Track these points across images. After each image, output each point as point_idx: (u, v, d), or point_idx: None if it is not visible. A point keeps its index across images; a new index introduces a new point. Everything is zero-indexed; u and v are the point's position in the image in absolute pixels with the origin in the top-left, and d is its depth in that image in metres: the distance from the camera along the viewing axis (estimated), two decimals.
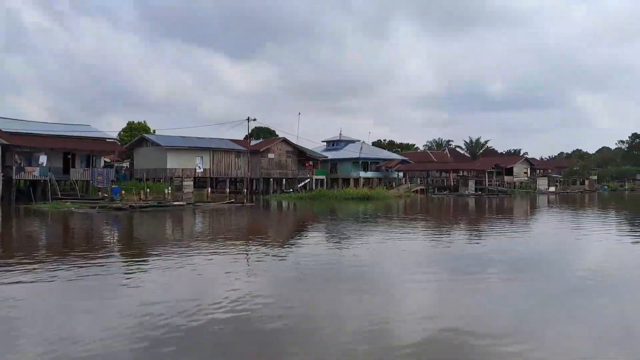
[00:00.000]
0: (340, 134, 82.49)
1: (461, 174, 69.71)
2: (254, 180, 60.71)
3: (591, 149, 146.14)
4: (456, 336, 7.42)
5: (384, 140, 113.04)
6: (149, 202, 34.86)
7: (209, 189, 51.50)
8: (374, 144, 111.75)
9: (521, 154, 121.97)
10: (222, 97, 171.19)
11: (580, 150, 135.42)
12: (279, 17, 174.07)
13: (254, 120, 57.36)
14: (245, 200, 41.56)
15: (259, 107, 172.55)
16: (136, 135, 61.62)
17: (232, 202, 37.85)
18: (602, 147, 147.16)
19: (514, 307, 9.18)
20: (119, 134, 66.57)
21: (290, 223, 28.48)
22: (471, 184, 64.23)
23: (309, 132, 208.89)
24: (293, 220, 30.81)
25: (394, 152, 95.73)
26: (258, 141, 63.03)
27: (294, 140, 75.80)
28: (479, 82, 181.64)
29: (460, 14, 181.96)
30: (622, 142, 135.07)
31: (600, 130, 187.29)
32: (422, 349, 6.93)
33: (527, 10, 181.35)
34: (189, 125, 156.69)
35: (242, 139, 66.65)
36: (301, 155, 64.26)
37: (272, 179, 61.40)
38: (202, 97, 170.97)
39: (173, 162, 54.67)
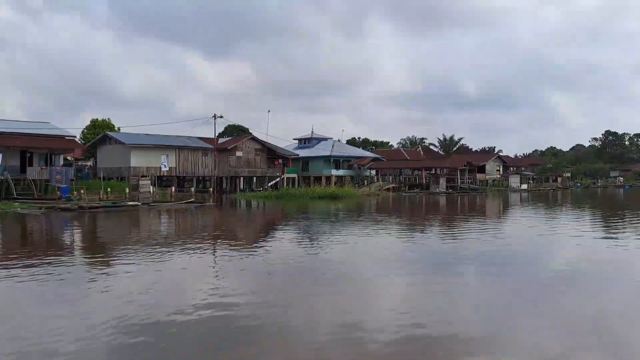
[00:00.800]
0: (312, 131, 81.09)
1: (433, 172, 68.81)
2: (223, 179, 59.02)
3: (565, 147, 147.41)
4: (429, 334, 7.39)
5: (359, 138, 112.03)
6: (102, 202, 33.03)
7: (173, 188, 49.63)
8: (348, 142, 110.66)
9: (495, 152, 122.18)
10: (197, 95, 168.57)
11: (554, 147, 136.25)
12: (254, 15, 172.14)
13: (221, 117, 55.83)
14: (206, 200, 39.90)
15: (234, 105, 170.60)
16: (100, 133, 59.40)
17: (191, 202, 36.16)
18: (576, 145, 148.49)
19: (487, 304, 9.20)
20: (83, 132, 64.21)
21: (244, 224, 26.97)
22: (442, 181, 63.37)
23: (285, 131, 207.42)
24: (248, 221, 29.33)
25: (369, 150, 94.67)
26: (226, 139, 61.24)
27: (265, 138, 74.74)
28: (453, 81, 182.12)
29: (434, 13, 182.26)
30: (596, 139, 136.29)
31: (573, 128, 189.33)
32: (396, 348, 6.90)
33: (499, 11, 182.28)
34: (158, 123, 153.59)
35: (214, 137, 64.71)
36: (271, 153, 62.70)
37: (241, 178, 59.86)
38: (177, 95, 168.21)
39: (137, 161, 52.73)
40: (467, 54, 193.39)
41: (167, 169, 54.92)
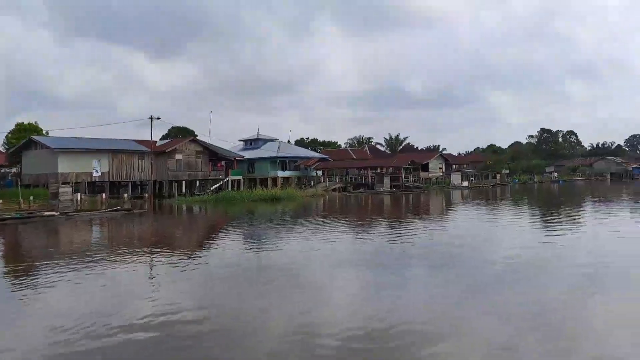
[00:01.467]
0: (258, 132, 78.86)
1: (378, 171, 67.95)
2: (163, 183, 55.84)
3: (504, 144, 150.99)
4: (381, 332, 7.48)
5: (307, 138, 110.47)
6: (14, 213, 29.75)
7: (104, 194, 46.35)
8: (297, 142, 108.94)
9: (439, 150, 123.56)
10: (142, 97, 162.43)
11: (494, 145, 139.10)
12: (200, 15, 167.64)
13: (158, 119, 52.63)
14: (137, 207, 37.09)
15: (181, 106, 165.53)
16: (26, 137, 54.96)
17: (118, 210, 33.31)
18: (514, 142, 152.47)
19: (435, 299, 9.38)
20: (7, 137, 59.39)
21: (169, 232, 24.64)
22: (386, 180, 62.59)
23: (234, 132, 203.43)
24: (175, 228, 26.99)
25: (317, 150, 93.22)
26: (166, 141, 58.08)
27: (209, 140, 71.82)
28: (398, 81, 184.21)
29: (379, 15, 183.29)
30: (532, 137, 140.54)
31: (512, 126, 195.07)
32: (350, 347, 6.94)
33: (441, 13, 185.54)
34: (91, 125, 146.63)
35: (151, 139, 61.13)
36: (213, 155, 60.01)
37: (183, 181, 56.87)
38: (120, 97, 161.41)
39: (65, 166, 48.94)
40: (411, 54, 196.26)
41: (100, 174, 51.37)
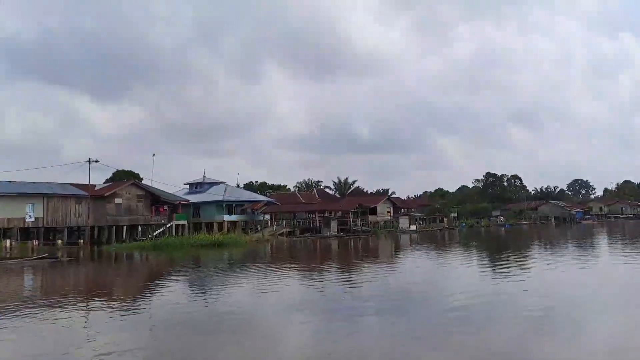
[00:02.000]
0: (204, 175, 77.60)
1: (325, 215, 67.77)
2: (102, 228, 53.57)
3: (452, 188, 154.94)
4: None
5: (256, 182, 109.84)
6: None
7: (35, 241, 43.99)
8: (246, 185, 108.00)
9: (388, 194, 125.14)
10: (87, 140, 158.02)
11: (442, 189, 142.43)
12: (146, 57, 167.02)
13: (96, 162, 51.21)
14: (65, 254, 35.23)
15: (128, 150, 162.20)
16: None
17: (44, 258, 31.47)
18: (462, 186, 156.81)
19: (388, 344, 9.46)
20: None
21: (91, 283, 23.27)
22: (333, 224, 62.40)
23: (182, 175, 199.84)
24: (101, 278, 25.58)
25: (266, 193, 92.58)
26: (105, 185, 56.18)
27: (152, 184, 70.06)
28: (347, 125, 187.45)
29: (326, 60, 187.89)
30: (478, 180, 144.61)
31: (458, 170, 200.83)
32: None
33: (388, 59, 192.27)
34: (24, 169, 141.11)
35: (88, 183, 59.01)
36: (155, 199, 58.33)
37: (124, 226, 54.82)
38: (65, 140, 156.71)
39: None
40: (359, 99, 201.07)
41: (33, 219, 48.85)
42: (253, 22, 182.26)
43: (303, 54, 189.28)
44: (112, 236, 51.58)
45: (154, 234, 55.09)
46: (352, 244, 47.72)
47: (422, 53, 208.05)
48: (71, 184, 53.96)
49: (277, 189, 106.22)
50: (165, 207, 60.66)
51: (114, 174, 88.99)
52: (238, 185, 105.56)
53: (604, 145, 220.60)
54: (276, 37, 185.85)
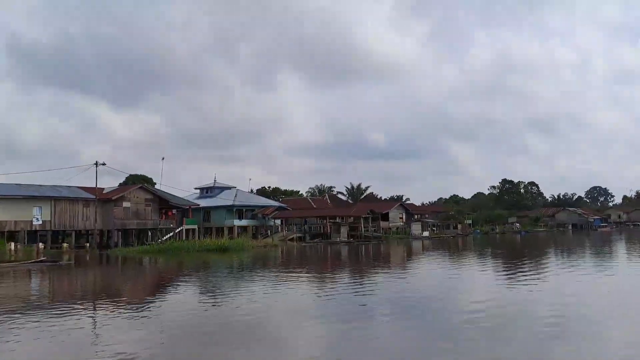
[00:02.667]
0: (215, 180, 77.04)
1: (335, 221, 66.54)
2: (112, 232, 53.07)
3: (467, 195, 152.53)
4: None
5: (269, 187, 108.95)
6: None
7: (41, 244, 43.46)
8: (258, 191, 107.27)
9: (403, 200, 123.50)
10: (104, 146, 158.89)
11: (457, 195, 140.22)
12: (164, 65, 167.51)
13: (103, 164, 50.71)
14: (75, 258, 34.56)
15: (144, 156, 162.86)
16: None
17: (41, 262, 30.74)
18: (477, 193, 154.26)
19: (401, 351, 9.34)
20: None
21: (83, 289, 22.39)
22: (343, 230, 61.19)
23: (198, 181, 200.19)
24: (97, 283, 24.70)
25: (279, 199, 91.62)
26: (112, 188, 55.73)
27: (162, 188, 69.66)
28: (361, 132, 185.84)
29: (341, 68, 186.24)
30: (494, 187, 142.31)
31: (474, 177, 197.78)
32: None
33: (403, 67, 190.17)
34: (28, 171, 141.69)
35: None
36: (164, 203, 57.70)
37: (133, 230, 54.34)
38: (83, 146, 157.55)
39: (3, 214, 46.12)
40: (374, 106, 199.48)
41: (40, 222, 48.54)
42: (269, 29, 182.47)
43: (318, 61, 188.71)
44: (119, 240, 51.00)
45: (164, 238, 54.47)
46: (361, 250, 46.41)
47: (439, 60, 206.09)
48: (80, 187, 53.63)
49: (289, 195, 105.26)
50: (174, 211, 60.00)
51: (127, 178, 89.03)
52: (252, 191, 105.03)
53: (623, 153, 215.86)
54: (291, 45, 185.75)
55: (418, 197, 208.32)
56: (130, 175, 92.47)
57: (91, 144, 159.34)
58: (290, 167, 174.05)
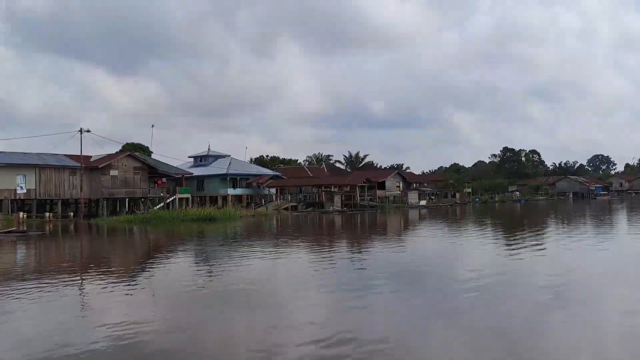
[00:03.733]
0: (208, 148, 75.01)
1: (328, 189, 64.56)
2: (98, 201, 51.37)
3: (468, 164, 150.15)
4: (348, 353, 7.23)
5: (267, 156, 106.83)
6: None
7: (22, 213, 41.73)
8: (256, 160, 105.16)
9: (403, 169, 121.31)
10: (103, 114, 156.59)
11: (457, 164, 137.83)
12: (161, 32, 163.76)
13: (88, 132, 48.55)
14: (56, 227, 32.88)
15: (144, 124, 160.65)
16: None
17: (10, 232, 29.06)
18: (478, 162, 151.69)
19: (401, 322, 9.12)
20: None
21: (46, 261, 20.69)
22: (337, 199, 59.30)
23: (196, 150, 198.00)
24: (64, 255, 23.01)
25: (277, 168, 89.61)
26: (100, 156, 53.71)
27: (154, 156, 67.84)
28: (362, 101, 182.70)
29: (341, 36, 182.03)
30: (495, 156, 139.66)
31: (475, 146, 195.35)
32: None
33: (403, 35, 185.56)
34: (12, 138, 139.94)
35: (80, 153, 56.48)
36: (153, 172, 55.78)
37: (125, 199, 52.67)
38: (82, 113, 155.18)
39: None
40: (375, 75, 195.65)
41: (24, 191, 46.82)
42: None
43: (318, 29, 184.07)
44: (106, 209, 49.33)
45: (157, 207, 52.81)
46: (354, 219, 44.64)
47: (440, 26, 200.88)
48: (66, 155, 51.72)
49: (288, 164, 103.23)
50: (164, 179, 58.14)
51: (123, 146, 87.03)
52: (251, 160, 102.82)
53: (626, 121, 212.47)
54: (291, 12, 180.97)
55: (419, 166, 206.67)
56: (127, 143, 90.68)
57: (90, 112, 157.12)
58: (290, 136, 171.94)
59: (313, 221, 42.62)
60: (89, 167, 50.48)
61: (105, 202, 50.70)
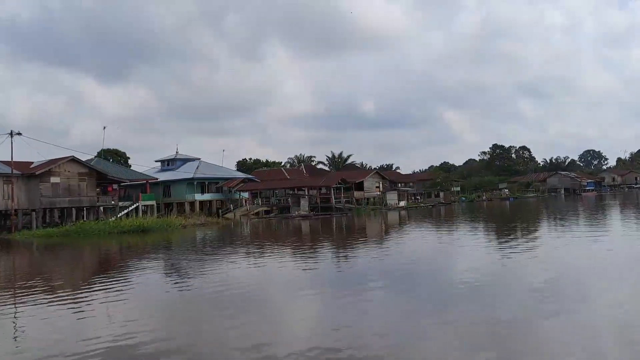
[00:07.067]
0: (176, 152, 67.98)
1: (294, 192, 57.39)
2: (37, 211, 44.47)
3: (459, 162, 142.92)
4: (342, 353, 7.03)
5: (250, 158, 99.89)
6: None
7: None
8: (239, 163, 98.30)
9: (393, 169, 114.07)
10: (93, 121, 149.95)
11: (448, 162, 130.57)
12: (149, 38, 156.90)
13: (19, 134, 41.70)
14: None
15: (136, 130, 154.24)
16: None
17: None
18: (469, 159, 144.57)
19: (392, 321, 8.84)
20: None
21: None
22: (304, 202, 52.16)
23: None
24: None
25: (260, 170, 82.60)
26: (41, 162, 46.84)
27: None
28: (353, 102, 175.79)
29: (330, 38, 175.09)
30: (484, 153, 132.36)
31: (466, 144, 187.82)
32: None
33: (391, 36, 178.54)
34: None
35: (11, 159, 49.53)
36: (102, 178, 48.82)
37: (65, 208, 45.76)
38: (72, 121, 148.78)
39: None
40: (364, 76, 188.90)
41: None
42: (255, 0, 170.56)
43: (306, 31, 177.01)
44: (34, 221, 42.40)
45: (119, 215, 45.90)
46: (313, 226, 37.57)
47: (426, 26, 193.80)
48: (2, 162, 44.82)
49: (271, 166, 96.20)
50: (115, 186, 51.23)
51: (98, 153, 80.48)
52: (245, 161, 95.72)
53: (615, 115, 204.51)
54: (279, 15, 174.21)
55: (411, 165, 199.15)
56: (103, 150, 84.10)
57: (80, 120, 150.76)
58: (283, 138, 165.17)
59: (260, 229, 35.62)
60: (27, 174, 43.60)
61: (42, 212, 43.83)
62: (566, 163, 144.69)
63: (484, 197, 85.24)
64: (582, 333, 7.85)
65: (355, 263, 16.73)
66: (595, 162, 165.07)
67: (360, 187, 64.48)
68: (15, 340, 8.78)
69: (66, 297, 12.17)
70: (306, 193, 57.25)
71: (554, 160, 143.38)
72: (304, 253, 20.01)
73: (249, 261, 18.40)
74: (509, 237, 22.66)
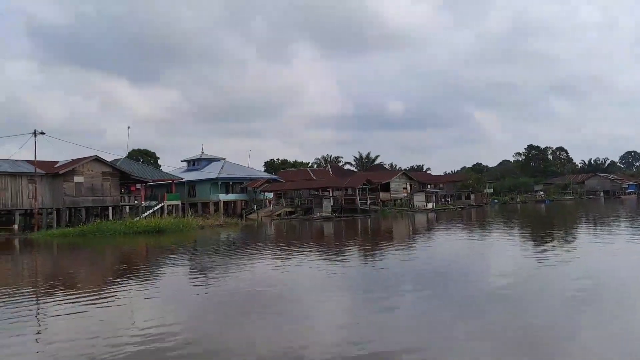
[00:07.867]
0: (202, 152, 67.48)
1: (317, 193, 55.73)
2: (61, 211, 44.42)
3: (493, 163, 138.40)
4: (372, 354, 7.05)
5: (278, 159, 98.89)
6: None
7: None
8: (267, 163, 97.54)
9: (423, 170, 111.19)
10: (126, 123, 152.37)
11: (481, 164, 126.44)
12: (177, 40, 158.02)
13: (42, 134, 41.64)
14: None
15: (166, 132, 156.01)
16: None
17: None
18: (503, 161, 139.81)
19: (422, 326, 8.67)
20: None
21: None
22: (326, 203, 50.46)
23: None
24: None
25: (285, 171, 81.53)
26: (65, 161, 46.82)
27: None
28: (380, 103, 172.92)
29: (357, 37, 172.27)
30: (519, 154, 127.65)
31: (499, 144, 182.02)
32: None
33: (420, 34, 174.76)
34: None
35: (34, 159, 49.66)
36: (125, 177, 48.49)
37: (88, 208, 45.56)
38: (106, 123, 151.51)
39: None
40: (392, 76, 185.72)
41: None
42: (282, 1, 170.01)
43: (333, 31, 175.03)
44: (55, 220, 42.26)
45: (143, 215, 45.52)
46: (333, 229, 35.89)
47: (455, 25, 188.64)
48: (27, 161, 44.99)
49: (298, 166, 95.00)
50: (138, 186, 50.85)
51: (129, 153, 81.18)
52: (273, 162, 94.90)
53: None
54: (305, 16, 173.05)
55: (441, 167, 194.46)
56: (133, 150, 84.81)
57: (114, 121, 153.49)
58: (308, 139, 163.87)
59: (278, 232, 34.19)
60: (51, 173, 43.58)
61: (66, 211, 43.74)
62: (606, 164, 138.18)
63: (518, 200, 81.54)
64: (620, 343, 7.52)
65: (383, 266, 15.96)
66: (637, 164, 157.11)
67: (386, 188, 62.38)
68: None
69: (64, 298, 10.92)
70: (331, 194, 55.57)
71: (592, 162, 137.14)
72: (312, 258, 18.36)
73: (248, 272, 16.91)
74: (545, 241, 21.35)
